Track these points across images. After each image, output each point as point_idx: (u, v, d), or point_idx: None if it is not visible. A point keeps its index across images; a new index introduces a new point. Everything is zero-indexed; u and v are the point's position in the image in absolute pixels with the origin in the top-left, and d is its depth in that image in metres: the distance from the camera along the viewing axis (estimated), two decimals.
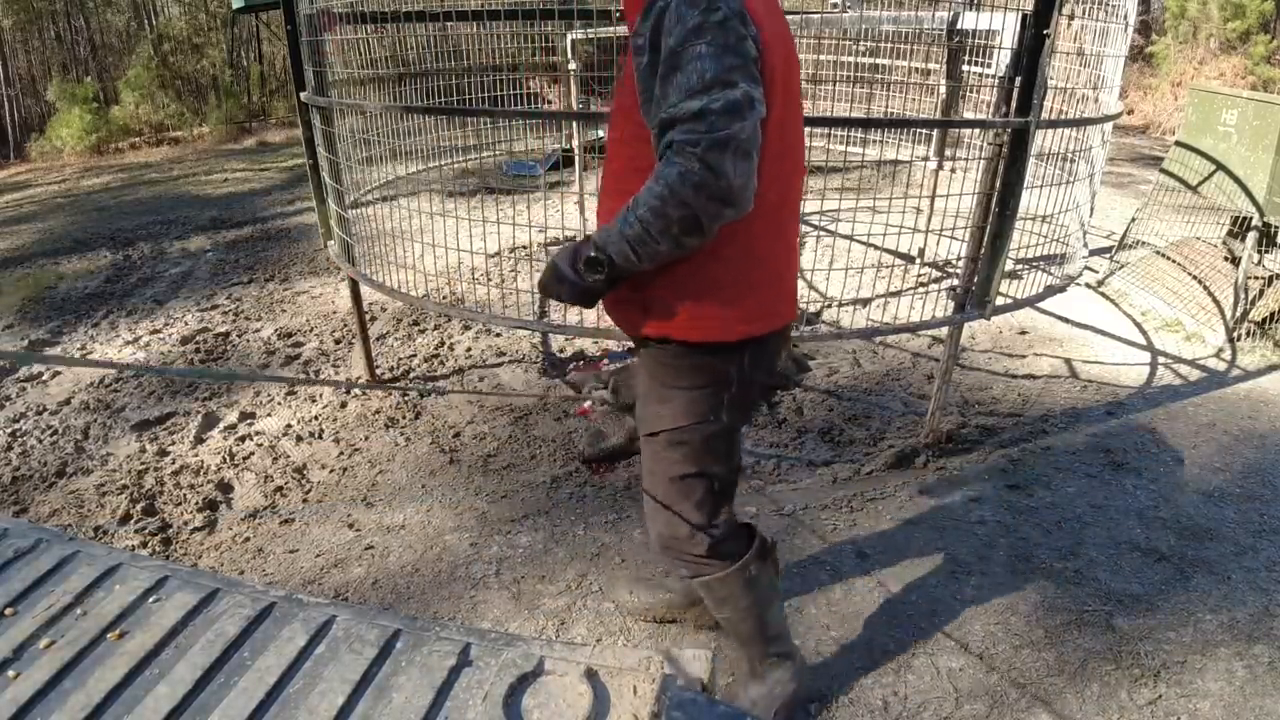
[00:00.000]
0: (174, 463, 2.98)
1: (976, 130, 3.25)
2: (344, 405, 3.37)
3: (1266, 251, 4.00)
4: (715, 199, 1.22)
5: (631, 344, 1.80)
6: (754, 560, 1.70)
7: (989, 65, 3.68)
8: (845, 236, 4.97)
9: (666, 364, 1.54)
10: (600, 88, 4.65)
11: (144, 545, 2.52)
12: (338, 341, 4.06)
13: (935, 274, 4.63)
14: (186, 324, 4.37)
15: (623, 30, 4.38)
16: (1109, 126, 3.01)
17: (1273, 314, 3.88)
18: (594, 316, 3.16)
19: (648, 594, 2.18)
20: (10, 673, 0.82)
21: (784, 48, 1.38)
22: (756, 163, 1.25)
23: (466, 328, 4.15)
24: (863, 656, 2.07)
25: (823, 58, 4.66)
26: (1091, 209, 3.15)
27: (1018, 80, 2.42)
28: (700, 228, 1.26)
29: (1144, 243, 4.67)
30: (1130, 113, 11.36)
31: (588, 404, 3.17)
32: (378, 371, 3.62)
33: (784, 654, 1.83)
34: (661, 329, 1.48)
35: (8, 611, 0.91)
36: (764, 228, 1.43)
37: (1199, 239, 4.42)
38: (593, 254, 1.35)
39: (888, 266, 4.42)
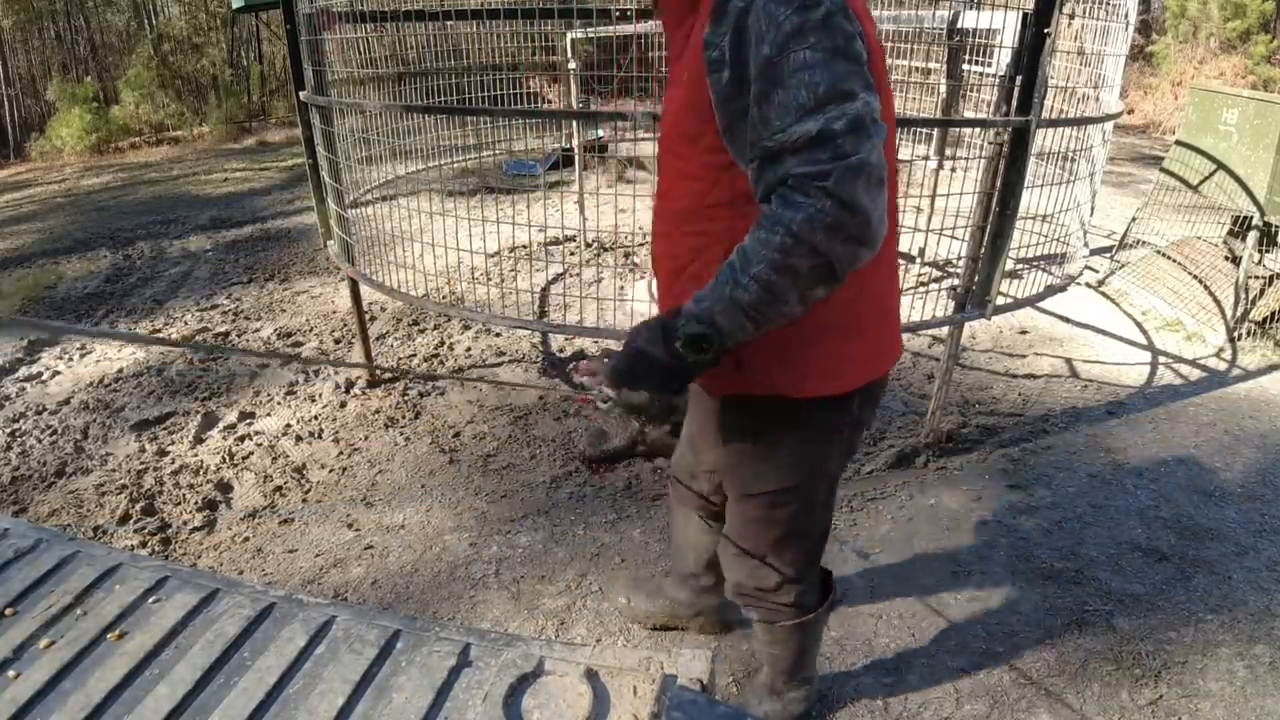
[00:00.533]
0: (173, 462, 2.97)
1: (977, 129, 3.24)
2: (343, 405, 3.37)
3: (1267, 251, 3.99)
4: (853, 240, 0.99)
5: None
6: (827, 611, 1.65)
7: (989, 64, 3.68)
8: None
9: (767, 421, 1.34)
10: (600, 86, 4.64)
11: (143, 545, 2.52)
12: (337, 341, 4.06)
13: (935, 273, 4.62)
14: (186, 324, 4.37)
15: (624, 29, 4.37)
16: (1109, 126, 3.01)
17: (1273, 313, 3.87)
18: (594, 316, 3.16)
19: (647, 601, 2.14)
20: (10, 673, 0.82)
21: (879, 49, 1.17)
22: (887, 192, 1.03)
23: (466, 327, 4.15)
24: (863, 656, 2.06)
25: None
26: (1092, 208, 3.15)
27: (1018, 79, 2.42)
28: (834, 277, 1.03)
29: (1144, 242, 4.67)
30: (1130, 112, 11.36)
31: (592, 393, 3.10)
32: (377, 371, 3.62)
33: (807, 679, 1.80)
34: (762, 388, 1.29)
35: (8, 611, 0.91)
36: (873, 258, 1.24)
37: (1199, 238, 4.41)
38: (697, 329, 1.08)
39: None
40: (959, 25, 3.68)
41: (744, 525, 1.50)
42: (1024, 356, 3.86)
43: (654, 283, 1.45)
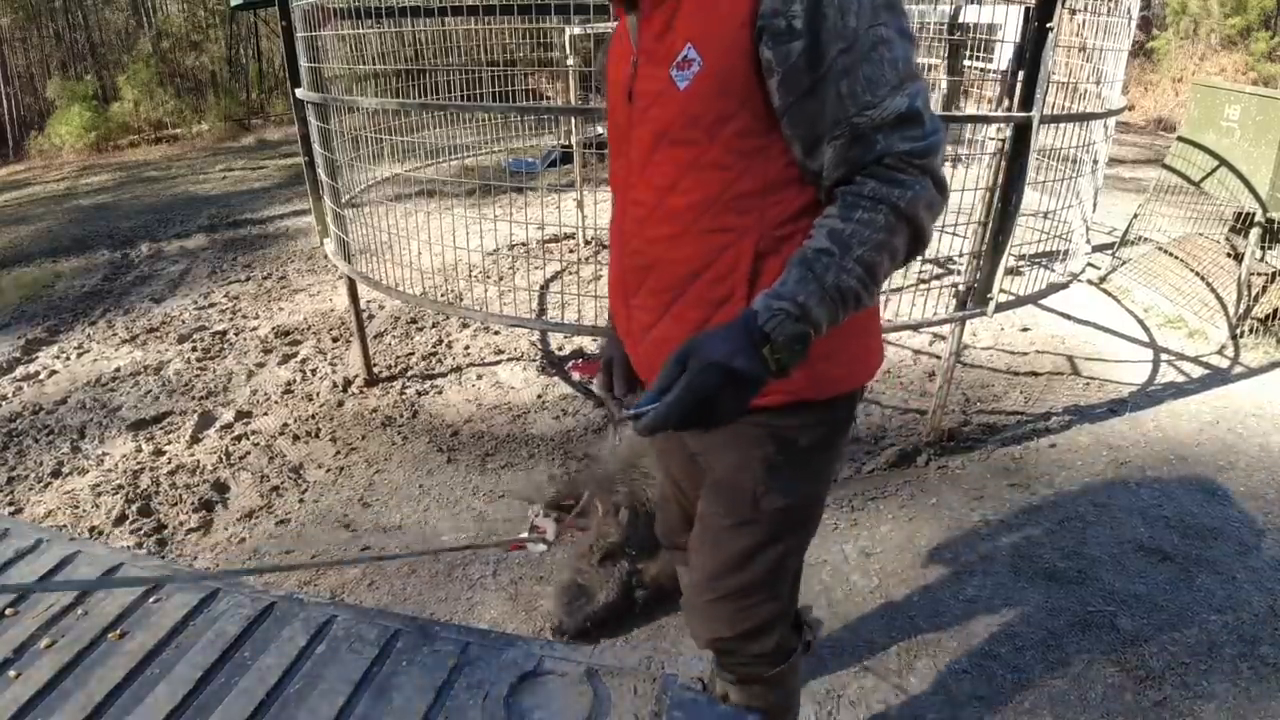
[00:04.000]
0: (170, 462, 2.96)
1: (978, 125, 3.22)
2: (341, 405, 3.35)
3: (1269, 247, 3.97)
4: (937, 216, 1.00)
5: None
6: (801, 655, 1.46)
7: (991, 60, 3.66)
8: None
9: (779, 431, 1.19)
10: (601, 83, 4.62)
11: (139, 546, 2.50)
12: (335, 339, 4.04)
13: (937, 270, 4.61)
14: (184, 322, 4.35)
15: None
16: (1112, 122, 2.99)
17: (1276, 310, 3.86)
18: (593, 314, 3.15)
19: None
20: (11, 672, 0.83)
21: None
22: None
23: (465, 325, 4.14)
24: (864, 657, 2.05)
25: None
26: (1094, 205, 3.13)
27: (1020, 75, 2.40)
28: (917, 254, 1.03)
29: (1146, 239, 4.65)
30: (1131, 109, 11.34)
31: (528, 537, 1.79)
32: (375, 370, 3.60)
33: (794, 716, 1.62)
34: (779, 396, 1.14)
35: (9, 611, 0.92)
36: None
37: (1201, 235, 4.39)
38: (796, 328, 0.93)
39: None
40: (960, 20, 3.66)
41: (736, 558, 1.28)
42: (1026, 354, 3.84)
43: (633, 318, 1.24)
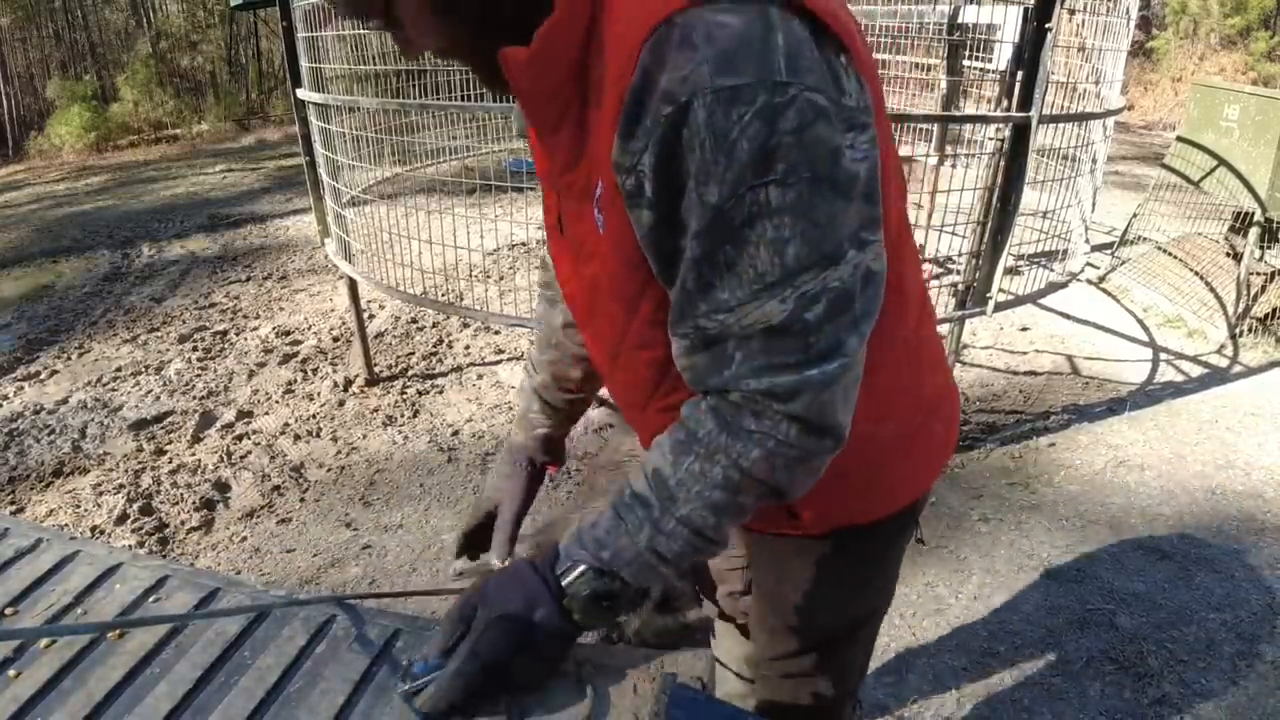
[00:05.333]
0: (171, 462, 2.96)
1: (978, 125, 3.23)
2: (342, 404, 3.36)
3: (1268, 247, 3.98)
4: (819, 458, 0.73)
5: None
6: None
7: (990, 60, 3.66)
8: None
9: (843, 553, 1.01)
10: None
11: (140, 545, 2.51)
12: (336, 339, 4.05)
13: (936, 270, 4.61)
14: (184, 322, 4.36)
15: None
16: (1111, 121, 2.99)
17: (1275, 310, 3.86)
18: None
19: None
20: (11, 672, 0.82)
21: (874, 79, 0.76)
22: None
23: (465, 325, 4.14)
24: None
25: None
26: (1093, 204, 3.13)
27: (1019, 74, 2.40)
28: (787, 500, 0.77)
29: (1146, 238, 4.65)
30: (1131, 109, 11.34)
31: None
32: (376, 369, 3.61)
33: None
34: (829, 526, 0.97)
35: (9, 611, 0.91)
36: (917, 333, 0.93)
37: (1201, 235, 4.39)
38: (600, 585, 0.76)
39: None
40: (960, 20, 3.67)
41: (791, 651, 1.10)
42: (1025, 353, 3.84)
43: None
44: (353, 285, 3.40)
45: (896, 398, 0.91)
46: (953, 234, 2.89)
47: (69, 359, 3.91)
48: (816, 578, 1.01)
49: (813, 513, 0.94)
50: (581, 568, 0.75)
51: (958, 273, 2.88)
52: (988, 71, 3.69)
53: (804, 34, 0.63)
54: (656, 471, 0.75)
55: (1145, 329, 4.12)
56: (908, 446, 0.96)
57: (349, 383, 3.51)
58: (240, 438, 3.13)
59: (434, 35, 0.71)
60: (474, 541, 1.12)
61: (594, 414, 3.23)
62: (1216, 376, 3.61)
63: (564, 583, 0.76)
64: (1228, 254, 4.21)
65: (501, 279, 4.64)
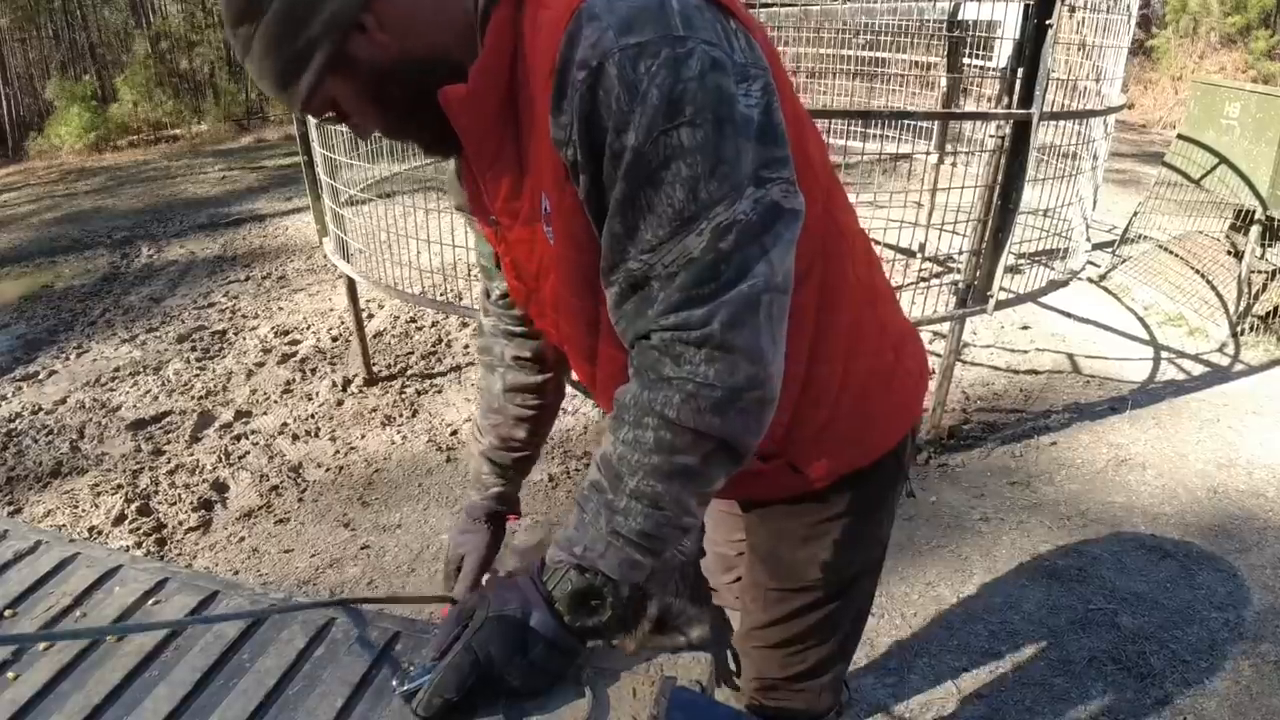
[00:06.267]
0: (169, 462, 2.96)
1: (978, 123, 3.22)
2: (340, 404, 3.35)
3: (1270, 245, 3.97)
4: (746, 395, 0.72)
5: None
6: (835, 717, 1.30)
7: (990, 58, 3.66)
8: None
9: (836, 503, 1.04)
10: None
11: (138, 545, 2.50)
12: (334, 339, 4.04)
13: (936, 269, 4.60)
14: (184, 322, 4.35)
15: None
16: (1111, 119, 2.99)
17: (1276, 308, 3.85)
18: None
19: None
20: (10, 674, 0.82)
21: (786, 80, 0.83)
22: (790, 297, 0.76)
23: (464, 324, 4.13)
24: (864, 655, 2.04)
25: (822, 50, 4.63)
26: (1094, 203, 3.13)
27: (1019, 72, 2.40)
28: (738, 454, 0.76)
29: (1146, 237, 4.65)
30: (1131, 107, 11.33)
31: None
32: (374, 369, 3.60)
33: None
34: (831, 478, 1.00)
35: (8, 613, 0.91)
36: (869, 276, 1.00)
37: (1202, 233, 4.39)
38: (580, 582, 0.77)
39: (889, 261, 4.40)
40: (960, 17, 3.66)
41: (785, 616, 1.13)
42: (1026, 352, 3.84)
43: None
44: (351, 285, 3.39)
45: (863, 332, 0.95)
46: (953, 232, 2.88)
47: (67, 359, 3.91)
48: (816, 534, 1.04)
49: (819, 466, 0.97)
50: (562, 569, 0.78)
51: (958, 271, 2.87)
52: (988, 69, 3.68)
53: (693, 1, 0.71)
54: (603, 455, 0.77)
55: (1146, 327, 4.12)
56: (888, 381, 1.00)
57: (347, 382, 3.50)
58: (238, 438, 3.12)
59: (375, 118, 0.82)
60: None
61: (592, 414, 3.22)
62: (1218, 375, 3.60)
63: (550, 586, 0.78)
64: (1229, 252, 4.20)
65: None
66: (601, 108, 0.68)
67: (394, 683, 0.78)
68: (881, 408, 1.01)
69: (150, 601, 0.93)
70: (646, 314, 0.73)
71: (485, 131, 0.78)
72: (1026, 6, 2.38)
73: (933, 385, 3.06)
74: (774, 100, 0.74)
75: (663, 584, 0.87)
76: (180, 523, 2.62)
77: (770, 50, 0.80)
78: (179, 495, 2.76)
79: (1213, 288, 4.10)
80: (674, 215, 0.69)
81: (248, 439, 3.11)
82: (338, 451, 3.01)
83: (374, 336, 4.01)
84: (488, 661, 0.74)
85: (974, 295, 2.69)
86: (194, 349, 3.97)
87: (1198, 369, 3.65)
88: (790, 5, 4.40)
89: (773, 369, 0.73)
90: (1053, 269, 3.05)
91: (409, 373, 3.64)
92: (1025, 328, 4.10)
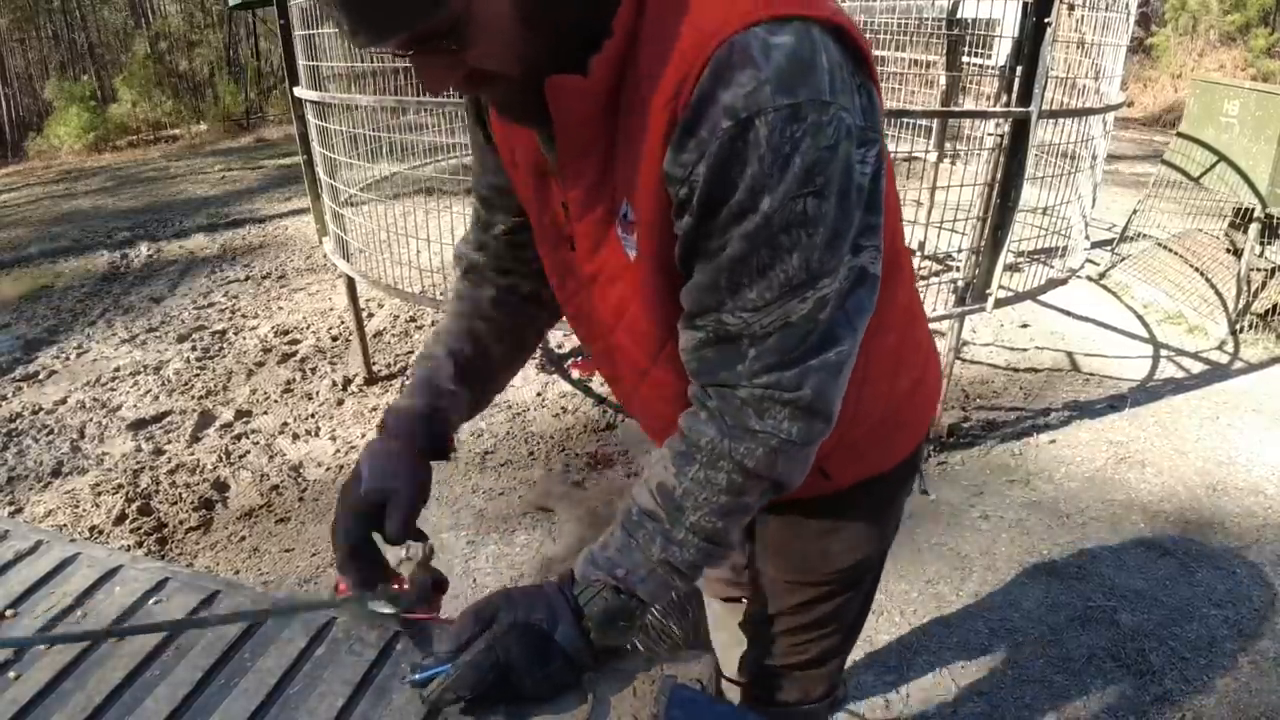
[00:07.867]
0: (170, 462, 2.96)
1: (977, 121, 3.22)
2: (340, 403, 3.35)
3: (1269, 243, 3.97)
4: (815, 446, 0.79)
5: None
6: (829, 709, 1.29)
7: (989, 56, 3.66)
8: None
9: (847, 504, 1.05)
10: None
11: (139, 545, 2.50)
12: (334, 338, 4.04)
13: (936, 267, 4.60)
14: (183, 322, 4.35)
15: None
16: (1110, 117, 2.99)
17: (1275, 306, 3.86)
18: None
19: None
20: (11, 674, 0.83)
21: (880, 90, 0.82)
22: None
23: None
24: (864, 653, 2.05)
25: None
26: (1093, 201, 3.13)
27: (1019, 70, 2.40)
28: (787, 489, 0.81)
29: (1146, 235, 4.65)
30: (1130, 105, 11.33)
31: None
32: (375, 368, 3.60)
33: None
34: (852, 480, 1.02)
35: (8, 613, 0.91)
36: (909, 297, 1.00)
37: (1201, 231, 4.39)
38: (616, 602, 0.79)
39: None
40: (959, 15, 3.66)
41: (789, 608, 1.13)
42: (1025, 350, 3.84)
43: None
44: (351, 284, 3.39)
45: (904, 353, 0.98)
46: (952, 230, 2.88)
47: (68, 359, 3.91)
48: (833, 530, 1.06)
49: (848, 472, 1.00)
50: (598, 587, 0.79)
51: (957, 269, 2.88)
52: (987, 67, 3.68)
53: (838, 55, 0.67)
54: (661, 485, 0.79)
55: (1146, 325, 4.12)
56: (914, 391, 1.02)
57: (348, 382, 3.50)
58: (239, 437, 3.12)
59: (512, 52, 0.67)
60: (359, 555, 0.89)
61: (592, 413, 3.23)
62: (1217, 373, 3.60)
63: (582, 603, 0.79)
64: (1228, 250, 4.20)
65: None
66: (739, 163, 0.65)
67: (405, 669, 0.79)
68: (908, 417, 1.04)
69: (151, 601, 0.93)
70: (736, 369, 0.74)
71: (580, 125, 0.73)
72: (1025, 4, 2.37)
73: None
74: (883, 167, 0.74)
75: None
76: (181, 522, 2.62)
77: (881, 103, 0.78)
78: (179, 495, 2.76)
79: (1212, 286, 4.10)
80: (784, 283, 0.70)
81: (248, 438, 3.11)
82: (338, 451, 3.01)
83: (374, 336, 4.01)
84: (507, 666, 0.75)
85: (973, 293, 2.69)
86: (194, 349, 3.97)
87: (1197, 367, 3.66)
88: None
89: (836, 418, 0.78)
90: (1052, 267, 3.05)
91: (409, 372, 3.64)
92: (1025, 326, 4.10)
